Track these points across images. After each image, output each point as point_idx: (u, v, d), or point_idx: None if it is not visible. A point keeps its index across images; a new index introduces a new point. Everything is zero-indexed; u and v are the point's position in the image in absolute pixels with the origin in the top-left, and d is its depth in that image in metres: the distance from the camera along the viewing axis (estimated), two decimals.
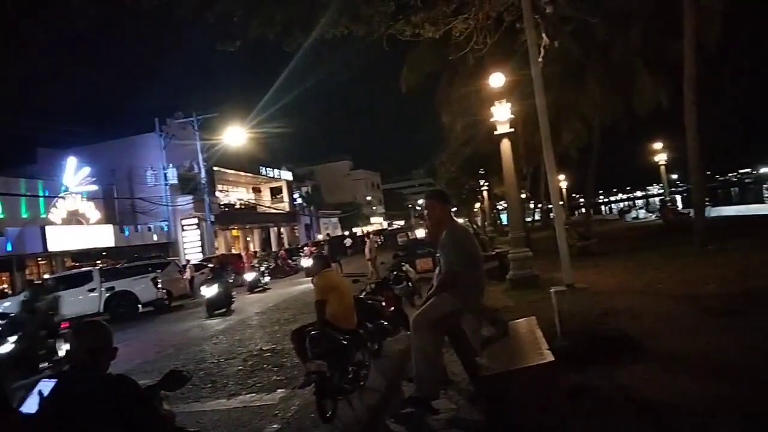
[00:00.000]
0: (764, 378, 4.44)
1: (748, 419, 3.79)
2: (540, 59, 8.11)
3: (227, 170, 41.19)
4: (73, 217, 28.32)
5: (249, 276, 22.48)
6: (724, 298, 7.39)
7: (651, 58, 18.07)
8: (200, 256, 31.63)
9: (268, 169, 49.20)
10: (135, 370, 8.87)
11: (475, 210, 57.51)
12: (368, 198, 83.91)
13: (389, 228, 65.61)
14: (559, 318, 6.04)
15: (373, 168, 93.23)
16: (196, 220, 34.40)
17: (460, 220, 43.45)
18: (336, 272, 6.42)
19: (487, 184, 42.93)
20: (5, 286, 24.26)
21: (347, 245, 42.53)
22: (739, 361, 4.96)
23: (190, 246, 34.33)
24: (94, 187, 30.01)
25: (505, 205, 30.22)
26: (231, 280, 20.12)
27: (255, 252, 37.59)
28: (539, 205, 46.75)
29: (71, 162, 28.76)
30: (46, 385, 2.40)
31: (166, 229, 33.86)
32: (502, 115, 11.88)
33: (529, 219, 38.06)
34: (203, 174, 32.21)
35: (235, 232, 42.89)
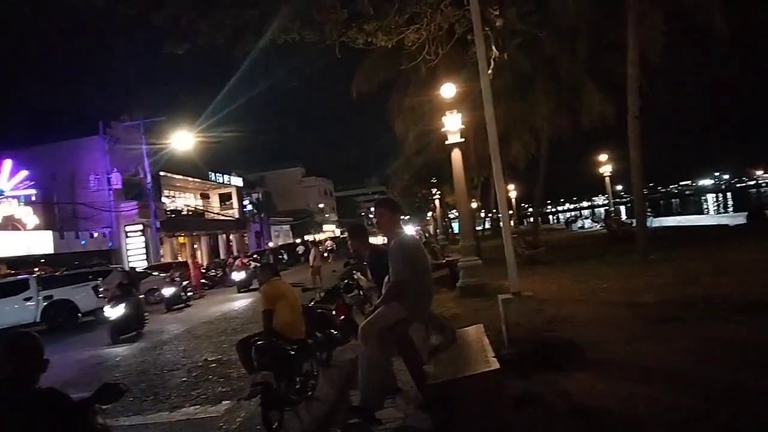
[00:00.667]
0: (700, 383, 4.61)
1: (684, 423, 3.91)
2: (489, 71, 8.27)
3: (174, 175, 40.19)
4: (9, 222, 27.05)
5: (167, 291, 19.56)
6: (664, 306, 7.66)
7: (597, 72, 18.69)
8: (145, 264, 30.71)
9: (217, 174, 48.26)
10: (71, 383, 8.49)
11: (428, 218, 58.03)
12: (321, 205, 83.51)
13: (342, 235, 65.38)
14: (505, 326, 6.13)
15: (326, 175, 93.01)
16: (140, 227, 33.36)
17: (413, 229, 43.96)
18: (284, 281, 6.32)
19: (439, 192, 43.41)
20: None
21: (300, 253, 42.17)
22: (676, 367, 5.12)
23: (135, 253, 33.28)
24: (33, 192, 28.84)
25: (457, 214, 30.58)
26: (143, 296, 17.17)
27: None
28: (490, 214, 47.57)
29: (7, 165, 27.65)
30: None
31: (109, 235, 32.74)
32: (453, 125, 12.03)
33: (479, 228, 38.68)
34: (149, 179, 31.35)
35: (181, 239, 41.83)
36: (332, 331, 7.34)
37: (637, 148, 14.19)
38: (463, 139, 12.37)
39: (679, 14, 14.16)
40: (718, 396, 4.27)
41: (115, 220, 32.60)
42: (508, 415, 4.20)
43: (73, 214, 31.94)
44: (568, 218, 71.52)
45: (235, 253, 39.43)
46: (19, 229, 27.44)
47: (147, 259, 32.59)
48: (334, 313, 7.91)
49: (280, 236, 63.80)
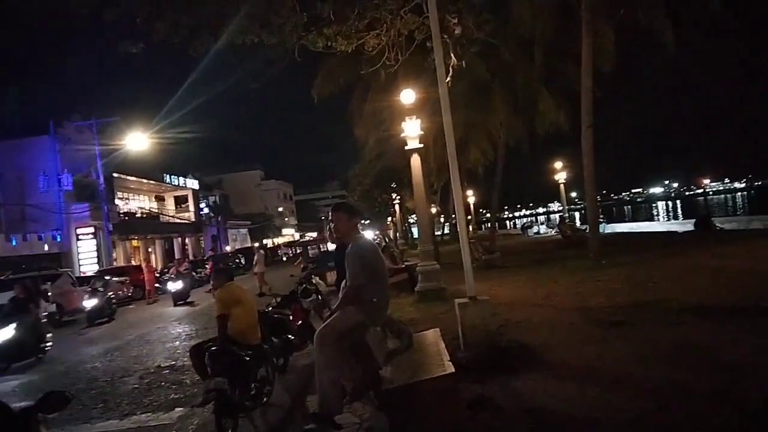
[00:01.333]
0: (650, 384, 4.75)
1: (633, 423, 4.03)
2: (448, 79, 8.37)
3: (128, 177, 39.19)
4: None
5: (89, 303, 16.97)
6: (614, 310, 7.88)
7: (552, 81, 19.14)
8: (97, 267, 29.78)
9: (172, 176, 47.29)
10: (12, 392, 8.16)
11: (388, 223, 58.16)
12: (280, 209, 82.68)
13: (301, 240, 64.87)
14: (462, 330, 6.20)
15: (286, 179, 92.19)
16: (92, 229, 32.37)
17: (373, 233, 43.98)
18: (239, 285, 6.23)
19: (399, 197, 43.59)
20: None
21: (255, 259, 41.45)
22: (626, 369, 5.27)
23: (86, 256, 32.26)
24: None
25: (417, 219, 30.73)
26: (44, 312, 13.26)
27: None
28: (449, 220, 48.02)
29: None
30: None
31: (59, 238, 31.62)
32: (412, 130, 12.10)
33: (439, 233, 39.00)
34: (102, 180, 30.47)
35: (135, 243, 40.76)
36: (289, 336, 7.28)
37: (590, 156, 14.57)
38: (422, 145, 12.46)
39: (630, 25, 14.60)
40: (667, 396, 4.42)
41: (65, 222, 31.55)
42: (463, 418, 4.25)
43: (21, 215, 30.78)
44: (524, 224, 72.89)
45: (191, 257, 38.58)
46: None
47: (99, 262, 31.66)
48: (291, 318, 7.84)
49: (237, 240, 62.87)
